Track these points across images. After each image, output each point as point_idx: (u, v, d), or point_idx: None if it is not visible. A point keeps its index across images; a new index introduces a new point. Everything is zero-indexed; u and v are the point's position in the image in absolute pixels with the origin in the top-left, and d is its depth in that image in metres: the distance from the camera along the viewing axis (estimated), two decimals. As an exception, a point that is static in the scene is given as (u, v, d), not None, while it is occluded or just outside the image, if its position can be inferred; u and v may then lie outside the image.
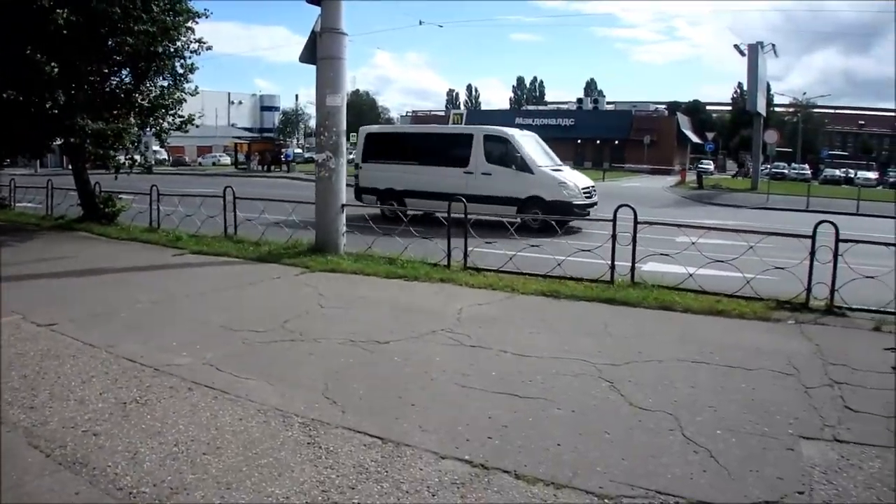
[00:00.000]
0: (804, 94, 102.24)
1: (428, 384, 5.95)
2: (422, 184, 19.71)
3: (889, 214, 28.78)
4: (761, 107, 48.43)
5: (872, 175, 72.54)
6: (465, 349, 6.91)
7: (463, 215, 10.99)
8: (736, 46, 48.47)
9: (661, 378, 6.25)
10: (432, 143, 21.69)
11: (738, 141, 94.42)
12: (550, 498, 4.13)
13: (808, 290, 9.22)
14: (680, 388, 6.03)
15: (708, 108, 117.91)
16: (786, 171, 72.60)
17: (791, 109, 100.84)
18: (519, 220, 17.33)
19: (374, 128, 24.53)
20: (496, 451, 4.67)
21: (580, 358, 6.67)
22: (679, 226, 11.46)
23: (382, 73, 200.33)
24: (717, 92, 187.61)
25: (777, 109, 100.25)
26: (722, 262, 9.92)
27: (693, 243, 10.07)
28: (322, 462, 4.47)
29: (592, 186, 19.89)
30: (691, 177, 54.40)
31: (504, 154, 19.46)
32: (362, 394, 5.68)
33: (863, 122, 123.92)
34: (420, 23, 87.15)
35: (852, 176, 68.76)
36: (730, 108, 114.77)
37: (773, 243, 10.47)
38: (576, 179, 19.66)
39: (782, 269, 9.51)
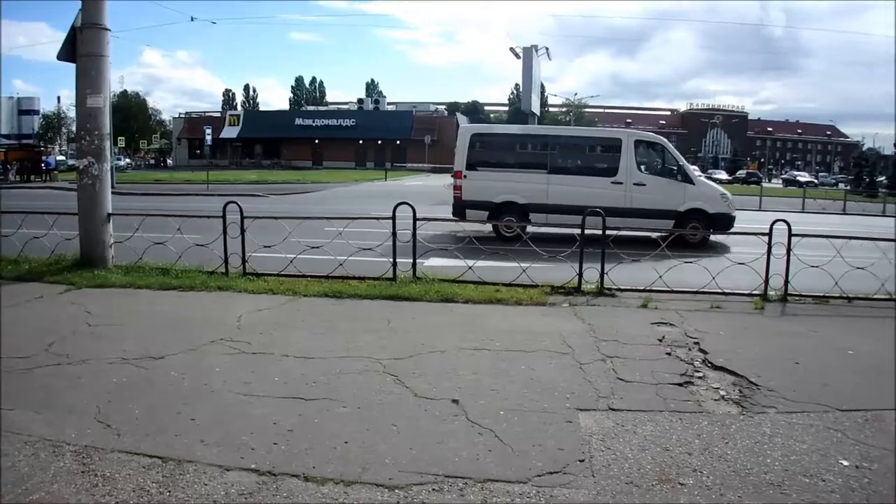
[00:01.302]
0: (576, 94, 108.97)
1: (208, 396, 5.70)
2: (556, 196, 16.77)
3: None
4: (536, 107, 50.75)
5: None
6: (246, 357, 6.70)
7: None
8: (512, 50, 50.49)
9: (444, 367, 6.41)
10: (567, 147, 18.41)
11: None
12: (341, 496, 4.11)
13: (580, 274, 9.81)
14: (463, 375, 6.20)
15: (486, 108, 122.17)
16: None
17: (564, 109, 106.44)
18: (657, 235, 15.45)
19: (483, 128, 20.49)
20: (283, 457, 4.57)
21: (364, 355, 6.68)
22: (456, 220, 11.75)
23: (152, 72, 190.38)
24: (496, 93, 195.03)
25: (551, 109, 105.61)
26: (498, 253, 10.28)
27: (469, 238, 10.34)
28: (99, 490, 4.16)
29: None
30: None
31: (659, 162, 17.54)
32: (138, 414, 5.33)
33: (629, 121, 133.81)
34: (192, 19, 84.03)
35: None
36: (507, 108, 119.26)
37: (544, 233, 10.95)
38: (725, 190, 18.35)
39: (554, 256, 10.02)
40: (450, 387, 5.87)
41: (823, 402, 5.92)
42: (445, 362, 6.56)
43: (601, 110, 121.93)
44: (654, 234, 15.38)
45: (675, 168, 17.26)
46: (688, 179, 17.12)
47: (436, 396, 5.64)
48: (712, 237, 17.01)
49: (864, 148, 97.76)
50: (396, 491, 4.16)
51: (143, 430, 5.02)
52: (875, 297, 10.17)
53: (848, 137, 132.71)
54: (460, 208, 17.12)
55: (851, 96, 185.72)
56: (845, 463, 4.77)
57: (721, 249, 15.38)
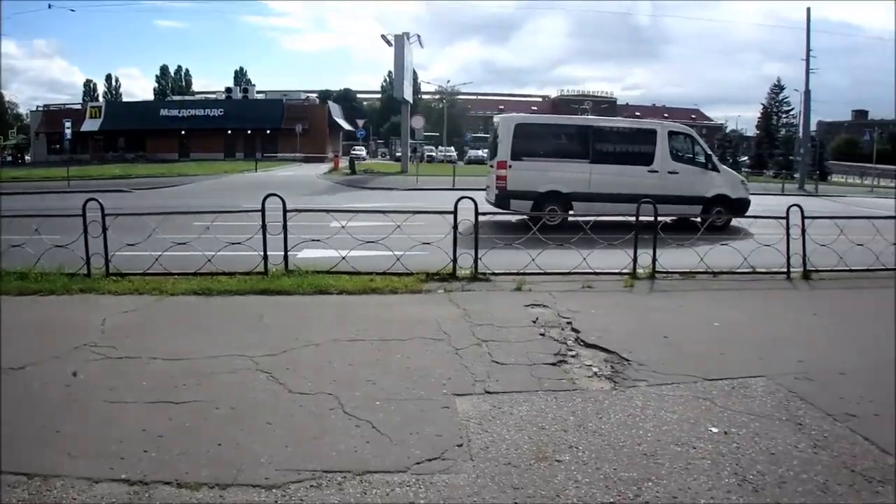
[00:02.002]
0: (448, 81, 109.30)
1: (73, 406, 5.42)
2: (598, 185, 17.46)
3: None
4: (408, 94, 50.71)
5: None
6: (112, 362, 6.39)
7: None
8: (383, 37, 50.06)
9: (319, 361, 6.35)
10: (607, 138, 18.78)
11: (388, 127, 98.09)
12: (216, 500, 4.02)
13: (454, 260, 9.92)
14: (338, 367, 6.17)
15: (359, 96, 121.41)
16: (434, 153, 76.88)
17: (437, 96, 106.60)
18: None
19: (527, 117, 20.88)
20: (155, 464, 4.41)
21: (236, 353, 6.51)
22: (329, 211, 11.61)
23: (7, 63, 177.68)
24: (368, 80, 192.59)
25: (424, 97, 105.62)
26: (373, 242, 10.22)
27: (343, 227, 10.23)
28: (-40, 513, 3.91)
29: None
30: (345, 163, 55.41)
31: (689, 151, 18.59)
32: (-2, 429, 5.05)
33: (502, 107, 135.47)
34: (49, 6, 78.53)
35: (493, 155, 74.91)
36: (380, 95, 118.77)
37: (420, 221, 10.96)
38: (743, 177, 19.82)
39: (429, 243, 10.07)
40: (325, 380, 5.81)
41: (692, 372, 6.23)
42: (320, 355, 6.50)
43: (474, 97, 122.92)
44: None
45: (704, 157, 18.50)
46: (714, 167, 18.52)
47: (311, 391, 5.57)
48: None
49: (728, 130, 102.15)
50: (273, 491, 4.09)
51: (5, 445, 4.72)
52: (738, 270, 10.76)
53: (712, 120, 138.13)
54: (505, 198, 17.27)
55: (714, 81, 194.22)
56: (714, 430, 5.04)
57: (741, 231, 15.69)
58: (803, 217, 11.18)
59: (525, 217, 16.45)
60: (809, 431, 5.07)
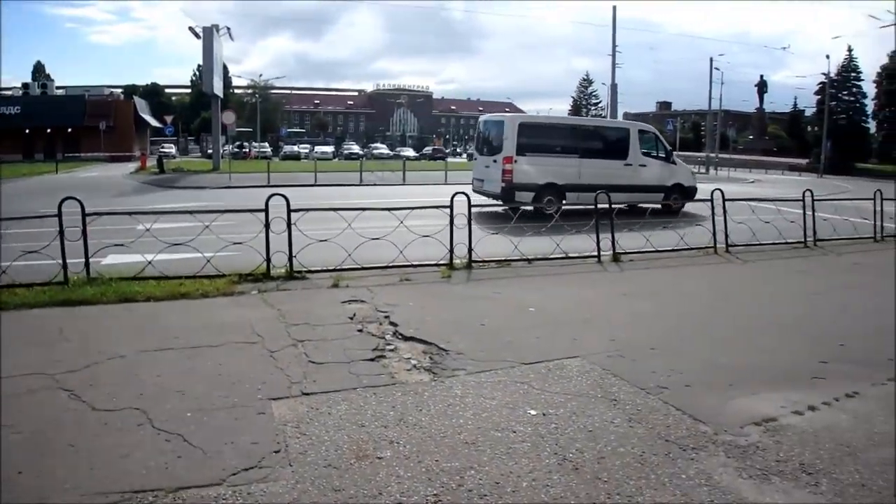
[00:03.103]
0: (261, 75, 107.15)
1: None
2: (586, 177, 19.34)
3: (340, 182, 31.73)
4: (218, 89, 49.38)
5: (329, 149, 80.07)
6: None
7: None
8: (191, 29, 48.51)
9: (125, 374, 5.98)
10: (592, 136, 21.52)
11: (199, 123, 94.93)
12: (17, 533, 3.68)
13: (268, 259, 9.64)
14: (146, 379, 5.83)
15: (167, 90, 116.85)
16: (247, 149, 75.27)
17: (249, 91, 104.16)
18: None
19: (528, 117, 23.76)
20: (-53, 500, 3.99)
21: (35, 371, 5.98)
22: (132, 213, 11.03)
23: None
24: (177, 74, 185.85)
25: (236, 91, 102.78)
26: (180, 244, 9.82)
27: (148, 230, 9.74)
28: None
29: None
30: (152, 162, 53.10)
31: (653, 147, 21.27)
32: None
33: (318, 101, 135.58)
34: None
35: (309, 151, 74.63)
36: (189, 90, 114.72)
37: (232, 220, 10.66)
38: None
39: (241, 243, 9.77)
40: (132, 394, 5.47)
41: (509, 358, 6.42)
42: (126, 368, 6.12)
43: (289, 91, 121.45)
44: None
45: (665, 152, 21.59)
46: (673, 161, 21.66)
47: (117, 407, 5.22)
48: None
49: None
50: (80, 518, 3.81)
51: None
52: (552, 256, 11.19)
53: (525, 113, 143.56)
54: (511, 190, 18.94)
55: (526, 75, 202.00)
56: (533, 412, 5.20)
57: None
58: (611, 204, 11.83)
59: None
60: (624, 406, 5.34)
